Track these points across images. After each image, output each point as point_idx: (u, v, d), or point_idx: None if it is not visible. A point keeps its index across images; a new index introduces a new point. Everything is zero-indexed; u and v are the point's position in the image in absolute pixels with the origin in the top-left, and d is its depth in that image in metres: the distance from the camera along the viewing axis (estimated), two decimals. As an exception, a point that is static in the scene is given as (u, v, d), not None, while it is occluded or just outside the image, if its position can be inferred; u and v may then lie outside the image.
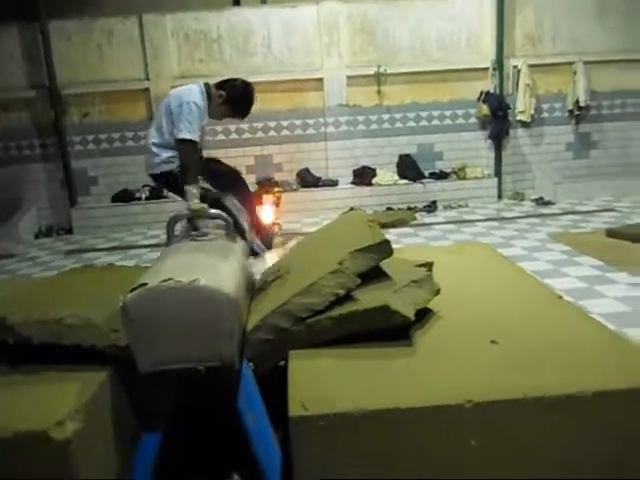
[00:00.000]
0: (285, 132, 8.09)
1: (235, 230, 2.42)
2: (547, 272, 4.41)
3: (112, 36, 7.65)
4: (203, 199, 3.00)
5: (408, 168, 8.01)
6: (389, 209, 7.60)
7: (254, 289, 2.47)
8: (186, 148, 3.09)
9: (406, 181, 7.92)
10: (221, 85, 3.39)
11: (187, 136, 3.07)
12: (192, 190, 2.89)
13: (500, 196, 8.09)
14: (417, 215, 7.21)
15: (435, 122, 8.19)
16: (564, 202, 7.62)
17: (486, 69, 8.02)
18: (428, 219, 7.09)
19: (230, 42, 7.82)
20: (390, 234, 6.34)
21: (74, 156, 7.88)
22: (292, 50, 7.89)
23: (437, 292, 2.23)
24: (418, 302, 2.12)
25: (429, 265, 2.42)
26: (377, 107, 8.07)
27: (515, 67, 8.01)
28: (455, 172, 8.03)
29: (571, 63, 8.06)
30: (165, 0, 8.19)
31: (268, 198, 7.25)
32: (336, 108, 8.00)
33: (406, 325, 1.98)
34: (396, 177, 7.99)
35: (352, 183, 8.03)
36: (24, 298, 2.21)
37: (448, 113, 8.17)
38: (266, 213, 6.86)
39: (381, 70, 7.84)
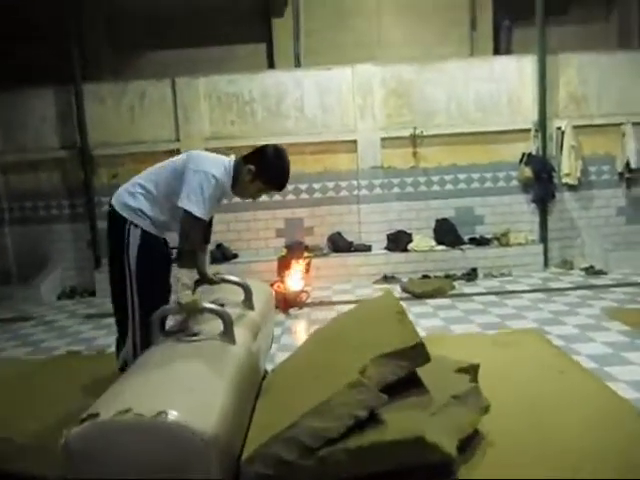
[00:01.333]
0: (317, 195, 7.82)
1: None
2: (606, 358, 3.81)
3: (144, 98, 7.65)
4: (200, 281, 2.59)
5: (446, 233, 7.57)
6: (425, 277, 7.12)
7: (261, 388, 2.02)
8: (192, 225, 2.51)
9: (444, 247, 7.47)
10: (248, 158, 2.75)
11: (197, 213, 2.49)
12: (184, 279, 2.31)
13: (546, 264, 7.53)
14: (455, 284, 6.70)
15: (474, 185, 7.79)
16: (617, 272, 7.00)
17: (528, 130, 7.65)
18: (467, 289, 6.57)
19: (262, 104, 7.71)
20: (427, 305, 5.87)
21: (101, 217, 7.74)
22: (325, 112, 7.72)
23: (486, 410, 1.76)
24: (462, 427, 1.65)
25: (474, 369, 1.95)
26: (413, 169, 7.75)
27: (559, 128, 7.61)
28: (497, 238, 7.54)
29: (619, 124, 7.63)
30: (200, 65, 8.26)
31: (297, 263, 6.90)
32: (370, 170, 7.71)
33: (448, 462, 1.51)
34: (433, 242, 7.55)
35: (386, 248, 7.62)
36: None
37: (488, 175, 7.77)
38: (295, 279, 6.49)
39: (417, 132, 7.56)
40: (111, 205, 2.78)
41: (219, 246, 7.59)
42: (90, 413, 1.23)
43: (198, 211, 2.51)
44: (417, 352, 1.74)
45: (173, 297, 2.42)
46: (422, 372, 1.83)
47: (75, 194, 7.82)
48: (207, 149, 3.24)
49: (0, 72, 7.72)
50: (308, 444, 1.57)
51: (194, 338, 1.80)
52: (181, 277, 2.31)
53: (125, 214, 2.70)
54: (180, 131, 7.64)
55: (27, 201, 7.89)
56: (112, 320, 6.02)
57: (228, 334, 1.84)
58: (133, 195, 2.71)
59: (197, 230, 2.55)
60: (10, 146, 7.80)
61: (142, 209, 2.69)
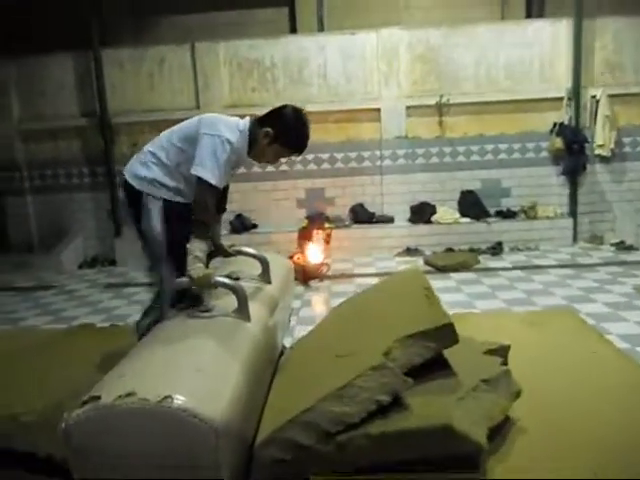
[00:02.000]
0: (339, 165, 7.64)
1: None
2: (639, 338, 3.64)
3: (164, 64, 7.50)
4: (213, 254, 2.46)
5: (471, 205, 7.35)
6: (449, 250, 6.94)
7: (278, 366, 1.92)
8: (207, 193, 2.37)
9: (468, 220, 7.27)
10: (265, 120, 2.55)
11: (212, 180, 2.36)
12: (196, 252, 2.21)
13: (575, 239, 7.27)
14: (480, 258, 6.52)
15: (502, 156, 7.52)
16: (649, 247, 6.75)
17: (560, 99, 7.31)
18: (493, 263, 6.39)
19: (284, 71, 7.50)
20: (450, 279, 5.72)
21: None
22: (349, 79, 7.49)
23: (517, 395, 1.63)
24: (493, 414, 1.53)
25: (504, 351, 1.82)
26: (438, 139, 7.50)
27: (593, 97, 7.27)
28: (524, 211, 7.30)
29: (658, 93, 7.25)
30: (221, 29, 8.05)
31: (318, 234, 6.78)
32: (394, 140, 7.48)
33: (476, 452, 1.39)
34: (457, 215, 7.34)
35: (409, 220, 7.44)
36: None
37: (517, 146, 7.49)
38: (315, 251, 6.38)
39: (443, 100, 7.29)
40: (124, 177, 2.64)
41: (238, 216, 7.49)
42: (91, 395, 1.14)
43: (213, 178, 2.37)
44: (445, 333, 1.62)
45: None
46: (449, 353, 1.71)
47: (95, 162, 7.77)
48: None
49: (17, 39, 7.63)
50: (327, 429, 1.47)
51: (206, 314, 1.70)
52: (193, 249, 2.19)
53: (140, 187, 2.56)
54: (200, 98, 7.49)
55: (47, 169, 7.86)
56: (132, 290, 6.10)
57: (242, 310, 1.73)
58: (146, 165, 2.57)
59: (211, 199, 2.40)
60: (29, 114, 7.75)
61: (157, 179, 2.55)
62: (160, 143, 2.59)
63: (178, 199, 2.62)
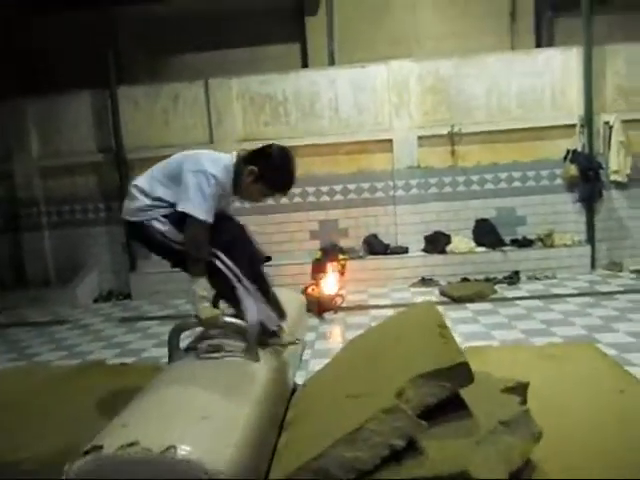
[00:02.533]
0: (352, 196, 7.64)
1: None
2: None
3: (178, 100, 7.63)
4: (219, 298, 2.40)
5: (486, 234, 7.28)
6: (465, 280, 6.85)
7: (290, 404, 1.87)
8: (197, 228, 2.32)
9: (484, 249, 7.19)
10: (250, 159, 2.51)
11: (200, 215, 2.31)
12: (201, 291, 2.16)
13: (593, 266, 7.15)
14: (497, 287, 6.42)
15: (516, 184, 7.48)
16: (670, 274, 6.60)
17: (573, 126, 7.29)
18: (510, 293, 6.28)
19: (296, 104, 7.59)
20: (466, 310, 5.62)
21: (136, 220, 7.76)
22: (360, 111, 7.55)
23: (538, 438, 1.56)
24: (512, 458, 1.46)
25: (522, 389, 1.75)
26: (451, 168, 7.48)
27: (606, 123, 7.23)
28: (540, 239, 7.21)
29: (672, 118, 7.19)
30: (234, 65, 8.20)
31: (332, 266, 6.75)
32: (406, 170, 7.48)
33: (496, 500, 1.31)
34: (473, 244, 7.27)
35: (424, 250, 7.38)
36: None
37: (531, 174, 7.44)
38: (329, 283, 6.34)
39: (455, 130, 7.30)
40: (125, 222, 2.60)
41: (253, 249, 7.48)
42: (93, 445, 1.10)
43: (201, 213, 2.32)
44: (460, 372, 1.56)
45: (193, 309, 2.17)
46: (464, 392, 1.64)
47: (111, 197, 7.86)
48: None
49: (35, 78, 7.84)
50: (338, 476, 1.41)
51: (214, 355, 1.66)
52: (197, 289, 2.16)
53: (136, 218, 2.50)
54: (213, 133, 7.59)
55: (64, 205, 7.99)
56: (146, 323, 6.09)
57: (251, 350, 1.69)
58: (133, 198, 2.52)
59: (202, 233, 2.34)
60: (47, 151, 7.91)
61: (146, 204, 2.48)
62: (146, 178, 2.55)
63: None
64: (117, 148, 7.64)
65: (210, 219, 2.37)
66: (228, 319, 1.96)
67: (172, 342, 1.80)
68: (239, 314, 2.27)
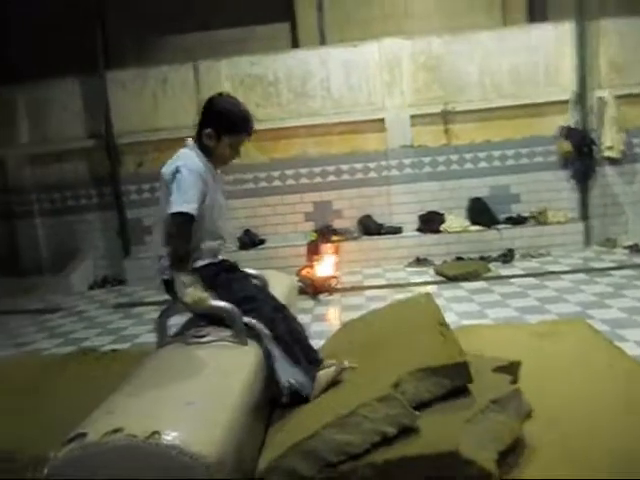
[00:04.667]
0: (345, 176, 7.60)
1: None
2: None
3: (166, 84, 7.53)
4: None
5: (480, 213, 7.27)
6: (459, 259, 6.86)
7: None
8: (177, 223, 2.24)
9: (478, 227, 7.18)
10: (201, 125, 2.47)
11: (178, 208, 2.23)
12: (182, 276, 2.09)
13: (588, 243, 7.16)
14: (491, 266, 6.43)
15: (510, 162, 7.45)
16: (664, 249, 6.61)
17: (566, 102, 7.25)
18: (504, 271, 6.29)
19: (287, 85, 7.50)
20: (461, 289, 5.63)
21: (129, 205, 7.72)
22: (352, 91, 7.47)
23: (528, 416, 1.56)
24: (502, 437, 1.47)
25: (514, 368, 1.75)
26: (445, 147, 7.44)
27: (600, 99, 7.18)
28: (534, 216, 7.20)
29: (665, 92, 7.15)
30: (222, 46, 8.07)
31: (327, 247, 6.75)
32: (399, 150, 7.44)
33: (485, 479, 1.32)
34: (467, 223, 7.26)
35: (418, 230, 7.37)
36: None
37: (524, 151, 7.41)
38: (324, 264, 6.34)
39: (448, 108, 7.24)
40: (162, 280, 2.46)
41: (247, 232, 7.47)
42: (78, 432, 1.09)
43: (180, 206, 2.24)
44: (460, 371, 1.55)
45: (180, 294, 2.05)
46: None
47: (102, 183, 7.80)
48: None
49: (23, 65, 7.71)
50: (328, 458, 1.40)
51: (202, 340, 1.64)
52: (180, 275, 2.10)
53: (170, 276, 2.35)
54: (204, 116, 7.50)
55: (55, 192, 7.91)
56: (142, 309, 6.08)
57: (239, 334, 1.67)
58: (161, 255, 2.43)
59: (184, 227, 2.26)
60: (36, 138, 7.81)
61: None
62: (159, 228, 2.50)
63: (207, 261, 2.49)
64: (107, 133, 7.55)
65: (191, 210, 2.27)
66: (214, 302, 1.94)
67: (160, 327, 1.78)
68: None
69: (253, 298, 2.30)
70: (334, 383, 1.93)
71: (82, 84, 7.68)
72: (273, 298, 2.45)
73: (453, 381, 1.50)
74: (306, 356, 2.19)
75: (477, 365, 1.71)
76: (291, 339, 2.22)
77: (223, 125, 2.45)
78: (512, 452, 1.44)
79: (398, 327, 1.91)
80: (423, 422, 1.43)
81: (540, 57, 7.24)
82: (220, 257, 2.58)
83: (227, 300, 2.16)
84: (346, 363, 1.96)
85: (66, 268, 7.59)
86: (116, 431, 1.04)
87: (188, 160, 2.38)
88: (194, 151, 2.45)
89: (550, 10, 8.09)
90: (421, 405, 1.44)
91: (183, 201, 2.26)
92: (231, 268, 2.58)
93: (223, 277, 2.42)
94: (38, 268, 7.89)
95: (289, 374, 2.04)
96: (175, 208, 2.25)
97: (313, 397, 1.93)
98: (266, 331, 2.11)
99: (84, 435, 1.06)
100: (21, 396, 1.97)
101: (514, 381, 1.64)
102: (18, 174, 7.87)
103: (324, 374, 2.00)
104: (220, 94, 2.54)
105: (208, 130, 2.43)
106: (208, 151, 2.47)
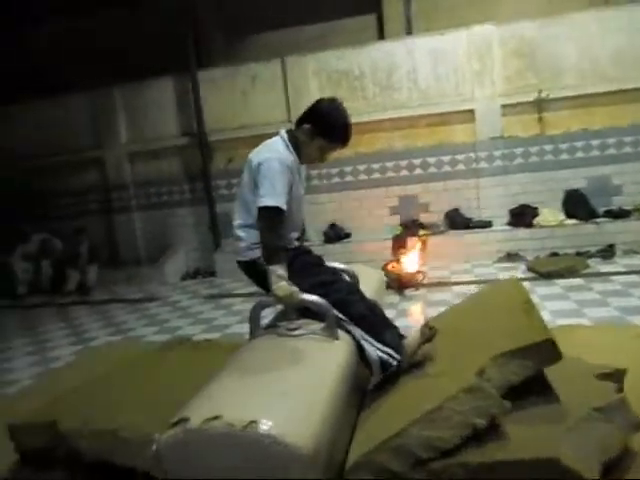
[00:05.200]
0: (432, 169, 7.45)
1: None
2: None
3: (255, 81, 7.71)
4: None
5: (577, 206, 6.87)
6: (554, 254, 6.51)
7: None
8: (268, 217, 2.29)
9: (575, 221, 6.78)
10: (302, 120, 2.50)
11: (269, 202, 2.28)
12: (277, 270, 2.12)
13: (700, 238, 6.57)
14: (589, 262, 6.05)
15: (610, 151, 6.97)
16: None
17: (676, 85, 6.67)
18: (604, 267, 5.90)
19: (373, 78, 7.45)
20: (555, 286, 5.35)
21: (219, 200, 8.00)
22: (439, 81, 7.30)
23: (637, 428, 1.45)
24: (606, 448, 1.36)
25: (619, 375, 1.63)
26: (538, 137, 7.09)
27: None
28: (638, 209, 6.70)
29: None
30: (310, 42, 8.15)
31: (413, 242, 6.63)
32: (489, 141, 7.18)
33: (588, 490, 1.24)
34: (562, 216, 6.88)
35: (509, 224, 7.09)
36: (86, 391, 1.89)
37: (628, 140, 6.90)
38: (410, 259, 6.24)
39: (542, 95, 6.88)
40: (238, 263, 2.58)
41: (332, 225, 7.51)
42: (181, 418, 1.15)
43: (270, 200, 2.29)
44: (545, 350, 1.47)
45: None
46: (554, 377, 1.55)
47: (195, 179, 8.15)
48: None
49: (120, 67, 8.18)
50: (419, 455, 1.38)
51: (294, 333, 1.67)
52: (274, 269, 2.14)
53: (249, 257, 2.50)
54: (291, 111, 7.60)
55: (151, 188, 8.37)
56: (231, 300, 6.29)
57: (330, 329, 1.68)
58: (239, 237, 2.53)
59: (276, 221, 2.31)
60: (135, 137, 8.27)
61: (255, 240, 2.46)
62: (238, 209, 2.57)
63: (289, 244, 2.53)
64: (199, 131, 7.86)
65: (280, 204, 2.32)
66: (306, 296, 1.96)
67: (253, 319, 1.83)
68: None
69: (330, 282, 2.34)
70: (425, 342, 1.95)
71: (175, 84, 8.05)
72: (347, 282, 2.47)
73: (540, 361, 1.41)
74: (389, 326, 2.25)
75: (576, 370, 1.61)
76: (371, 314, 2.27)
77: (323, 127, 2.47)
78: (618, 465, 1.34)
79: (482, 313, 1.84)
80: (517, 428, 1.36)
81: (646, 38, 6.70)
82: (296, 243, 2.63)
83: (302, 285, 2.20)
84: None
85: (161, 260, 8.00)
86: (215, 418, 1.08)
87: (277, 152, 2.43)
88: (284, 142, 2.50)
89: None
90: (511, 393, 1.38)
91: (273, 195, 2.31)
92: (306, 253, 2.62)
93: (300, 261, 2.47)
94: (136, 260, 8.39)
95: (376, 348, 2.07)
96: (265, 202, 2.30)
97: (406, 363, 1.94)
98: (342, 316, 2.12)
99: (187, 420, 1.11)
100: (124, 377, 2.10)
101: (620, 389, 1.53)
102: (117, 172, 8.40)
103: (411, 338, 2.06)
104: (334, 99, 2.55)
105: (307, 126, 2.47)
106: (298, 145, 2.51)
